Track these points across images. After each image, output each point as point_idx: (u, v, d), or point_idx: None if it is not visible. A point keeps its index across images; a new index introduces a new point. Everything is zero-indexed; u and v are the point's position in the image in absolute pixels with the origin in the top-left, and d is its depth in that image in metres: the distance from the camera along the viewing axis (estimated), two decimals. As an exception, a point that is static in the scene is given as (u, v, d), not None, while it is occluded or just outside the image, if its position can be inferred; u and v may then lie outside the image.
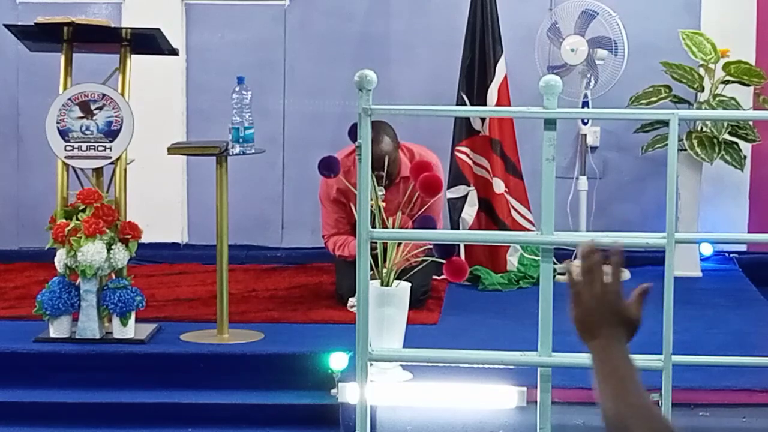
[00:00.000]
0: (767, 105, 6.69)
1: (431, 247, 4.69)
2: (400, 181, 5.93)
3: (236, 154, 5.37)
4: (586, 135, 6.89)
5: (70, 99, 5.32)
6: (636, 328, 1.89)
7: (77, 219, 5.15)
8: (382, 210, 4.84)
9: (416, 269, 4.86)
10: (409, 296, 4.84)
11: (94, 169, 5.36)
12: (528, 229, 6.47)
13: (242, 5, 7.28)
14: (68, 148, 5.31)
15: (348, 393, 4.65)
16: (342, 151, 5.81)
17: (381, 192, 5.44)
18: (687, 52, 6.69)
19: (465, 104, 6.63)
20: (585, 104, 6.60)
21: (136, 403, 4.96)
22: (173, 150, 5.60)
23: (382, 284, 4.68)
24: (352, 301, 5.06)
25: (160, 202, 7.09)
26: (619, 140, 7.18)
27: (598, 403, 1.83)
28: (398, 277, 4.77)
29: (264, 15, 7.27)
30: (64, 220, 5.18)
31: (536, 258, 6.41)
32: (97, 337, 5.20)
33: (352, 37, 7.23)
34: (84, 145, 5.31)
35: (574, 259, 1.94)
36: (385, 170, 5.65)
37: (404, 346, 4.72)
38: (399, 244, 4.82)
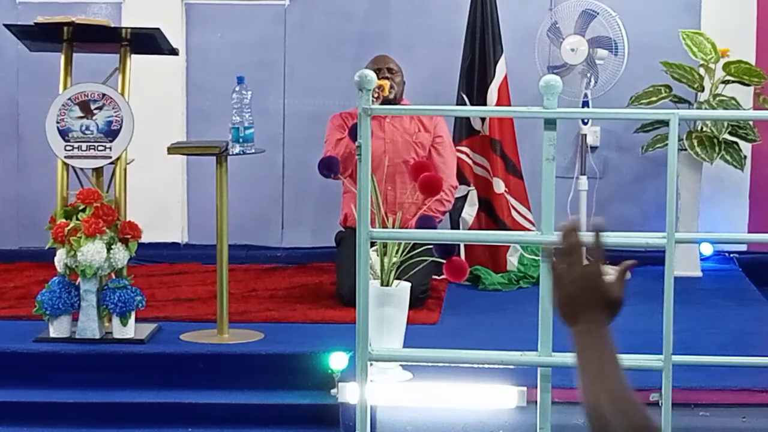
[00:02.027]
0: (767, 105, 6.69)
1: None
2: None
3: (236, 154, 5.36)
4: (586, 135, 6.89)
5: (70, 99, 5.32)
6: (619, 308, 1.83)
7: (77, 219, 5.15)
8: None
9: (416, 269, 4.87)
10: (409, 295, 4.85)
11: (94, 169, 5.36)
12: (528, 229, 6.47)
13: (242, 5, 7.28)
14: (68, 147, 5.31)
15: (348, 393, 4.64)
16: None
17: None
18: (687, 52, 6.69)
19: (465, 104, 6.64)
20: (585, 104, 6.60)
21: (136, 403, 4.95)
22: (173, 150, 5.60)
23: (382, 284, 4.68)
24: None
25: (160, 202, 7.09)
26: (619, 140, 7.18)
27: (578, 393, 1.79)
28: (398, 277, 4.77)
29: (264, 15, 7.27)
30: (64, 220, 5.17)
31: (536, 258, 6.42)
32: (97, 337, 5.20)
33: (352, 37, 7.23)
34: (84, 145, 5.31)
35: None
36: (392, 87, 6.06)
37: (404, 346, 4.72)
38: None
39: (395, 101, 6.18)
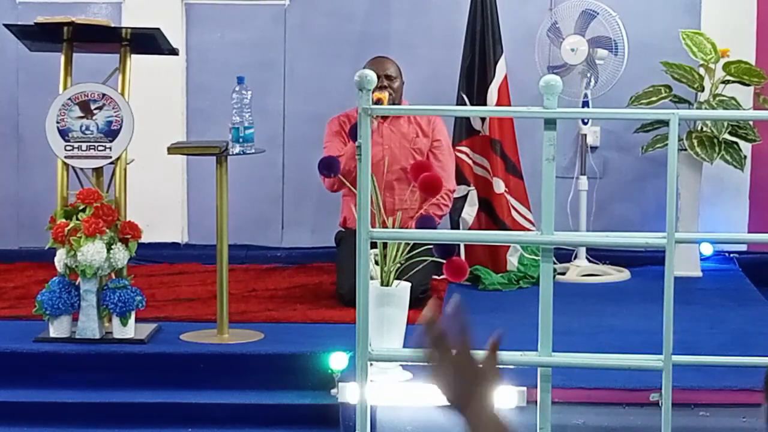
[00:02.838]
0: (767, 105, 6.69)
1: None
2: (401, 116, 6.28)
3: (236, 154, 5.37)
4: (586, 135, 6.89)
5: (70, 99, 5.32)
6: (498, 383, 1.85)
7: (77, 219, 5.15)
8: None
9: (416, 269, 4.87)
10: (409, 295, 4.85)
11: (94, 169, 5.36)
12: (528, 229, 6.47)
13: (242, 5, 7.28)
14: (68, 147, 5.31)
15: (348, 393, 4.64)
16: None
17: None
18: (687, 52, 6.69)
19: (465, 104, 6.63)
20: (585, 104, 6.60)
21: (136, 403, 4.96)
22: (173, 150, 5.60)
23: (382, 284, 4.68)
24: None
25: (160, 202, 7.08)
26: (619, 140, 7.18)
27: None
28: (398, 277, 4.77)
29: (264, 15, 7.27)
30: (64, 220, 5.17)
31: (536, 258, 6.41)
32: (97, 337, 5.20)
33: (352, 37, 7.23)
34: (84, 145, 5.31)
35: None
36: (390, 94, 6.08)
37: (404, 346, 4.72)
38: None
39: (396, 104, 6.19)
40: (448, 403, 1.85)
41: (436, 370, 1.84)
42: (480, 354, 1.85)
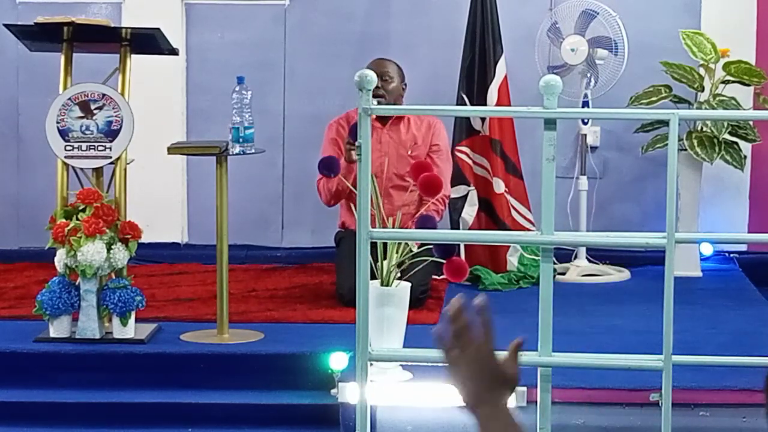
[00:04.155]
0: (767, 105, 6.69)
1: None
2: (401, 123, 6.24)
3: (236, 154, 5.36)
4: (586, 135, 6.89)
5: (70, 99, 5.32)
6: (515, 385, 1.84)
7: (77, 219, 5.15)
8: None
9: (416, 269, 4.87)
10: (409, 295, 4.85)
11: (94, 169, 5.36)
12: (528, 229, 6.47)
13: (242, 5, 7.28)
14: (68, 147, 5.31)
15: (348, 393, 4.64)
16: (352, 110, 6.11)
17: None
18: (687, 52, 6.69)
19: (465, 104, 6.63)
20: (585, 104, 6.60)
21: (136, 403, 4.96)
22: (173, 150, 5.60)
23: (382, 284, 4.68)
24: None
25: (160, 202, 7.08)
26: (619, 140, 7.18)
27: None
28: (398, 277, 4.77)
29: (264, 15, 7.27)
30: (64, 220, 5.17)
31: (536, 258, 6.41)
32: (97, 337, 5.20)
33: (352, 37, 7.23)
34: (84, 145, 5.31)
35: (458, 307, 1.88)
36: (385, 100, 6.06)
37: (404, 346, 4.72)
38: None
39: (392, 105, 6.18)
40: (462, 401, 1.83)
41: (454, 364, 1.82)
42: (501, 354, 1.83)
